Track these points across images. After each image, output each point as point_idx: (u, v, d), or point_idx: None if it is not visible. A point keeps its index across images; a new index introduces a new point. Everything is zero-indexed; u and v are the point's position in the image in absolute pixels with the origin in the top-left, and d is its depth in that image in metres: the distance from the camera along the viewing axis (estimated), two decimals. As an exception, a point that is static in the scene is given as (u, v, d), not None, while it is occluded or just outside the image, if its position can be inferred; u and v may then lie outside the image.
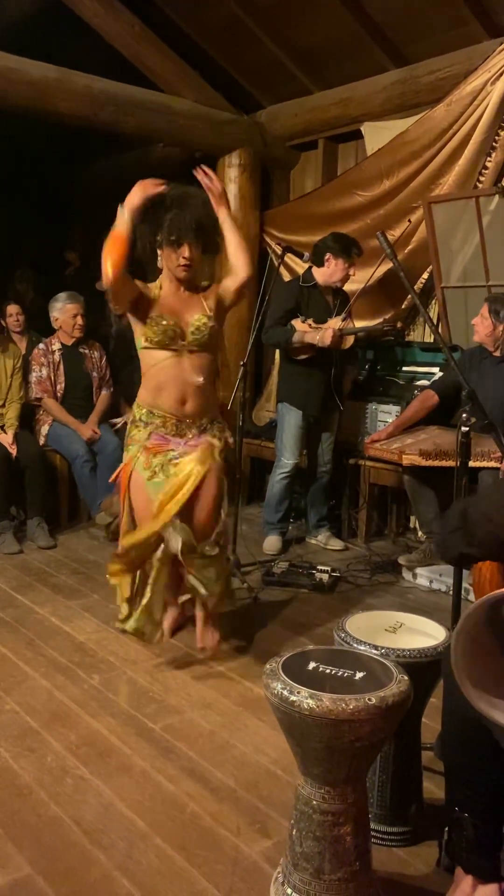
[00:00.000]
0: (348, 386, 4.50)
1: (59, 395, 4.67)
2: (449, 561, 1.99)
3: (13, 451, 4.28)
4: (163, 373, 2.82)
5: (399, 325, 4.11)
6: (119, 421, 4.75)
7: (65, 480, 4.68)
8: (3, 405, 4.48)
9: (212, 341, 2.86)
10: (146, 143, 5.73)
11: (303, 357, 4.12)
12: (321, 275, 4.12)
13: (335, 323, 4.03)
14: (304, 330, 4.07)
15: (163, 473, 2.79)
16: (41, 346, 4.70)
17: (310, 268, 4.19)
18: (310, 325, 4.09)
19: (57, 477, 4.63)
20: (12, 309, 4.93)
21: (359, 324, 4.37)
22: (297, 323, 4.10)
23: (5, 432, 4.38)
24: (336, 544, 4.39)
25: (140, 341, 2.85)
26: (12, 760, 2.26)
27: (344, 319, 4.11)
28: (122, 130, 4.83)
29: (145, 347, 2.83)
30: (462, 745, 1.64)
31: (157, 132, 4.98)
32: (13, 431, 4.37)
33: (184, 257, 2.78)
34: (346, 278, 4.12)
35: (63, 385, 4.67)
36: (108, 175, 6.46)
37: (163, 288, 2.88)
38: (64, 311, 4.67)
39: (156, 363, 2.82)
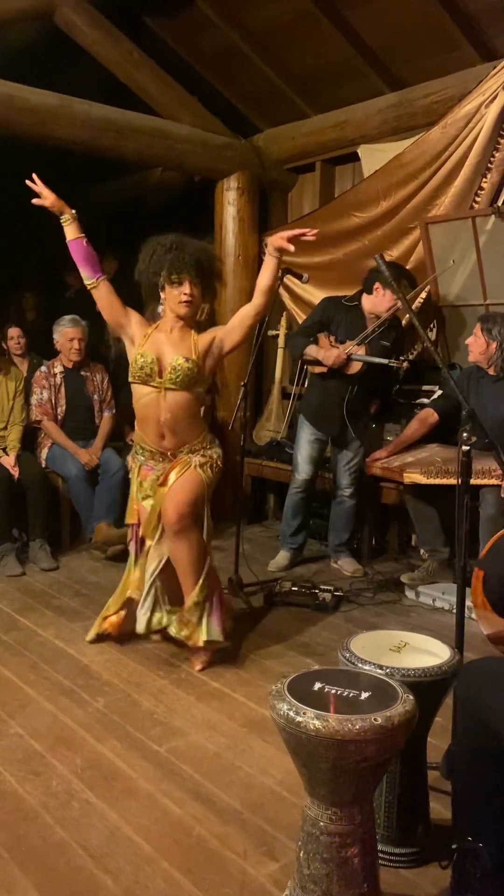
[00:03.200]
0: (371, 411, 4.38)
1: (59, 417, 4.68)
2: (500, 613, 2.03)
3: (15, 473, 4.30)
4: (144, 409, 3.05)
5: (406, 365, 4.10)
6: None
7: (66, 502, 4.68)
8: (5, 427, 4.50)
9: (189, 382, 2.99)
10: (145, 167, 5.80)
11: (320, 371, 4.13)
12: (368, 302, 4.08)
13: (346, 346, 4.02)
14: (322, 345, 4.08)
15: (150, 491, 3.07)
16: (43, 368, 4.72)
17: (360, 291, 4.15)
18: (331, 342, 4.09)
19: (59, 498, 4.65)
20: (13, 332, 4.97)
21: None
22: (321, 337, 4.11)
23: (7, 454, 4.39)
24: (350, 567, 4.32)
25: (130, 374, 3.05)
26: (17, 784, 2.25)
27: (359, 344, 4.01)
28: (121, 155, 4.88)
29: (132, 381, 3.05)
30: (475, 771, 1.63)
31: (156, 157, 5.04)
32: (15, 454, 4.39)
33: (185, 294, 2.95)
34: (392, 309, 4.01)
35: (64, 408, 4.69)
36: (108, 199, 6.53)
37: (159, 327, 3.06)
38: (63, 334, 4.70)
39: (139, 398, 3.05)
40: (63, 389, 4.70)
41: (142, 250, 3.03)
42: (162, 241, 2.97)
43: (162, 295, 3.02)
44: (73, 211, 3.02)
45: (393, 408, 4.55)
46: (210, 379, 3.27)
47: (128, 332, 3.08)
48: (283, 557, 4.35)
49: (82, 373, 4.80)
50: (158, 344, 3.01)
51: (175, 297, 2.97)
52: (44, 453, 4.66)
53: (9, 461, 4.33)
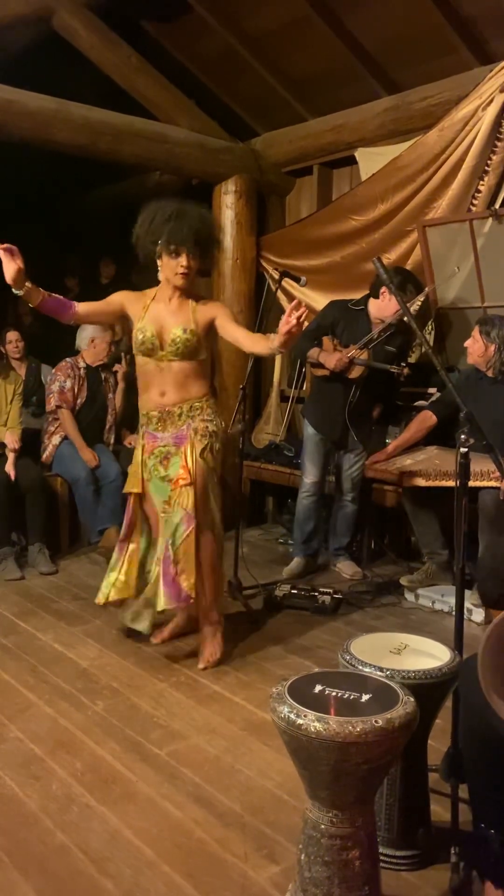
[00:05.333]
0: (374, 415, 4.35)
1: (76, 409, 4.72)
2: (491, 605, 2.03)
3: (12, 473, 4.29)
4: (146, 375, 3.09)
5: (406, 370, 4.10)
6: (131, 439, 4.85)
7: (65, 506, 4.69)
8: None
9: (189, 351, 3.01)
10: (143, 170, 5.81)
11: (322, 374, 4.13)
12: (374, 307, 4.07)
13: (349, 350, 4.02)
14: (325, 348, 4.07)
15: (156, 474, 3.08)
16: (68, 360, 4.77)
17: (367, 296, 4.14)
18: (335, 345, 4.08)
19: (57, 502, 4.65)
20: (12, 335, 4.97)
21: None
22: (325, 340, 4.11)
23: (8, 454, 4.39)
24: (349, 570, 4.32)
25: (133, 347, 3.08)
26: (18, 788, 2.25)
27: (361, 348, 4.01)
28: (119, 159, 4.89)
29: (135, 354, 3.09)
30: (483, 764, 1.64)
31: (154, 160, 5.04)
32: (13, 456, 4.39)
33: (182, 265, 2.95)
34: (398, 314, 3.96)
35: (83, 401, 4.73)
36: (106, 202, 6.54)
37: (156, 297, 3.06)
38: (83, 336, 4.78)
39: (144, 367, 3.08)
40: (86, 383, 4.74)
41: (141, 212, 3.00)
42: (162, 209, 2.95)
43: (159, 262, 3.01)
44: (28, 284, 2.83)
45: (393, 411, 4.55)
46: (210, 347, 3.25)
47: (127, 314, 3.10)
48: (297, 564, 4.31)
49: (102, 374, 4.85)
50: (158, 316, 3.02)
51: (172, 268, 2.97)
52: (50, 447, 4.67)
53: (11, 438, 4.34)
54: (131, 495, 3.22)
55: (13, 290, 2.79)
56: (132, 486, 3.19)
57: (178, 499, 3.01)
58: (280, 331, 2.73)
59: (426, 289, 4.27)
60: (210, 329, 3.06)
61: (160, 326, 2.99)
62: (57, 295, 2.99)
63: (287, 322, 2.68)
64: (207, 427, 3.06)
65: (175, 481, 3.03)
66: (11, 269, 2.72)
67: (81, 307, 3.03)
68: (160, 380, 3.04)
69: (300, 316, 2.65)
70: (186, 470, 3.00)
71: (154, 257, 3.01)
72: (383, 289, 3.99)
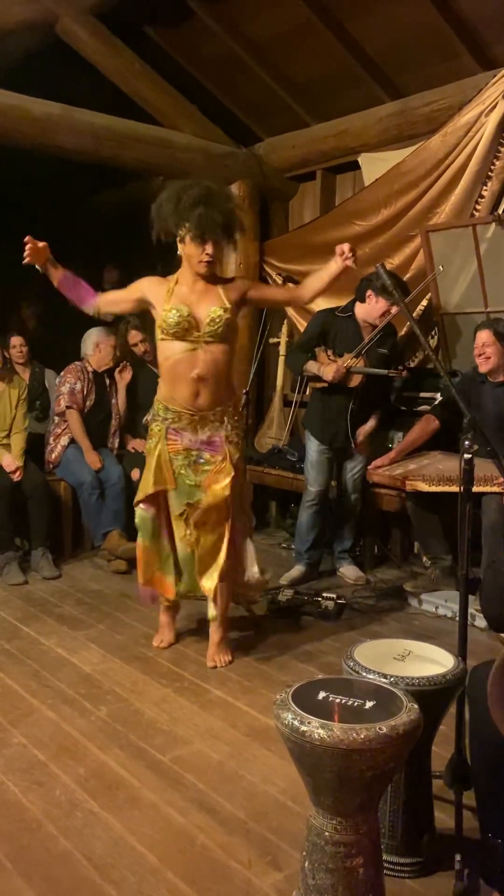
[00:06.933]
0: (366, 428, 4.24)
1: (84, 412, 4.73)
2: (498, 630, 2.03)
3: (16, 476, 4.30)
4: (178, 365, 2.93)
5: (405, 373, 4.09)
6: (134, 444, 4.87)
7: (68, 510, 4.69)
8: (8, 435, 4.50)
9: (227, 332, 2.94)
10: (146, 176, 5.82)
11: (321, 385, 4.13)
12: (361, 310, 4.07)
13: (345, 360, 4.02)
14: (321, 360, 4.07)
15: (188, 477, 3.01)
16: (77, 363, 4.80)
17: (353, 300, 4.14)
18: (328, 356, 4.07)
19: (61, 507, 4.65)
20: (16, 340, 4.98)
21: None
22: (319, 351, 4.10)
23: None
24: (353, 574, 4.32)
25: (158, 333, 2.95)
26: (21, 794, 2.25)
27: (356, 356, 4.01)
28: (122, 164, 4.91)
29: (162, 339, 2.94)
30: (491, 773, 1.64)
31: (158, 165, 5.06)
32: (18, 460, 4.39)
33: (207, 253, 2.87)
34: (385, 317, 4.00)
35: (91, 404, 4.75)
36: (109, 208, 6.55)
37: (179, 281, 2.97)
38: (88, 342, 4.83)
39: (171, 355, 2.94)
40: (94, 387, 4.77)
41: (165, 191, 2.92)
42: (189, 192, 2.85)
43: (180, 245, 2.92)
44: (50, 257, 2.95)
45: (395, 415, 4.55)
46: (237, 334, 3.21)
47: (149, 302, 3.00)
48: (297, 571, 4.29)
49: (107, 379, 4.88)
50: (186, 298, 2.93)
51: (196, 255, 2.88)
52: (58, 449, 4.68)
53: (9, 461, 4.33)
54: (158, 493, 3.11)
55: (36, 267, 2.88)
56: (161, 483, 3.06)
57: (211, 508, 3.00)
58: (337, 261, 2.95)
59: (422, 286, 4.25)
60: (240, 308, 3.00)
61: (192, 307, 2.90)
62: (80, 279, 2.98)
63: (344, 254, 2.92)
64: (237, 435, 3.06)
65: (214, 492, 2.99)
66: (37, 250, 2.86)
67: (103, 298, 3.01)
68: (191, 366, 2.90)
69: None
70: (230, 482, 2.98)
71: (174, 238, 2.92)
72: (369, 291, 4.01)
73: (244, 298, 3.02)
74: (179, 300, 2.91)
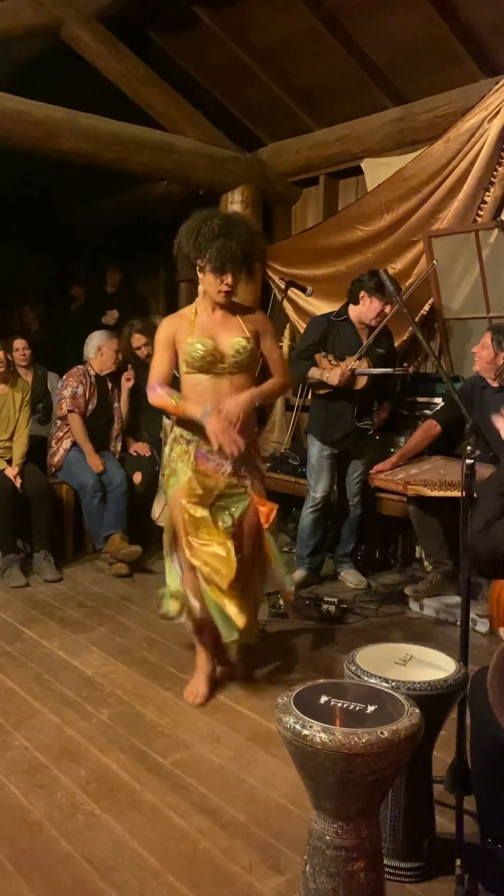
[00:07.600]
0: (382, 416, 4.30)
1: (86, 415, 4.75)
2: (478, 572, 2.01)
3: (18, 482, 4.31)
4: (205, 396, 2.88)
5: (410, 370, 4.09)
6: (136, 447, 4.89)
7: (70, 513, 4.70)
8: (11, 438, 4.51)
9: (250, 362, 2.94)
10: (150, 180, 5.84)
11: (324, 391, 4.13)
12: (355, 312, 4.08)
13: (348, 363, 4.03)
14: (322, 367, 4.07)
15: (227, 510, 2.89)
16: (80, 367, 4.81)
17: (346, 304, 4.15)
18: (329, 361, 4.07)
19: (63, 509, 4.66)
20: (19, 343, 4.99)
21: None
22: (319, 357, 4.10)
23: (11, 465, 4.40)
24: (354, 579, 4.32)
25: (182, 367, 2.92)
26: (22, 797, 2.25)
27: (359, 358, 4.02)
28: (127, 168, 4.93)
29: (187, 372, 2.91)
30: (492, 779, 1.64)
31: (161, 170, 5.08)
32: (19, 466, 4.40)
33: (226, 284, 2.86)
34: (380, 317, 4.01)
35: (93, 408, 4.77)
36: (113, 211, 6.57)
37: (198, 312, 2.96)
38: (91, 345, 4.85)
39: (197, 384, 2.90)
40: (96, 391, 4.78)
41: (186, 222, 2.89)
42: (209, 223, 2.82)
43: (200, 275, 2.92)
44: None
45: (396, 420, 4.55)
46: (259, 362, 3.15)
47: (177, 340, 2.94)
48: (298, 575, 4.27)
49: (109, 383, 4.89)
50: (208, 329, 2.91)
51: (215, 286, 2.87)
52: (60, 452, 4.69)
53: (12, 472, 4.34)
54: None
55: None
56: (204, 504, 2.87)
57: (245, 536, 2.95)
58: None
59: (414, 286, 4.27)
60: (256, 337, 2.98)
61: (214, 339, 2.89)
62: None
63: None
64: (260, 471, 3.05)
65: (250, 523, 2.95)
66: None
67: (164, 380, 2.91)
68: (215, 397, 2.87)
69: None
70: (265, 516, 2.93)
71: (195, 270, 2.92)
72: (362, 293, 4.02)
73: (258, 334, 3.00)
74: (202, 331, 2.90)
